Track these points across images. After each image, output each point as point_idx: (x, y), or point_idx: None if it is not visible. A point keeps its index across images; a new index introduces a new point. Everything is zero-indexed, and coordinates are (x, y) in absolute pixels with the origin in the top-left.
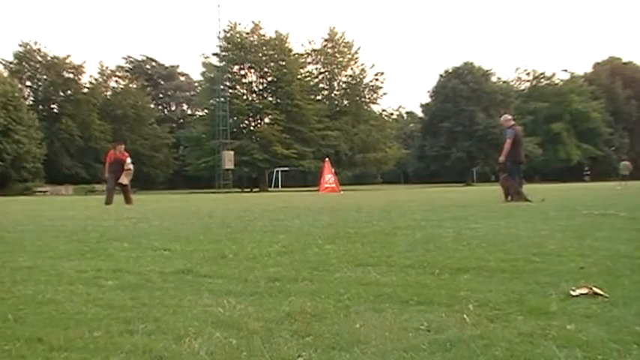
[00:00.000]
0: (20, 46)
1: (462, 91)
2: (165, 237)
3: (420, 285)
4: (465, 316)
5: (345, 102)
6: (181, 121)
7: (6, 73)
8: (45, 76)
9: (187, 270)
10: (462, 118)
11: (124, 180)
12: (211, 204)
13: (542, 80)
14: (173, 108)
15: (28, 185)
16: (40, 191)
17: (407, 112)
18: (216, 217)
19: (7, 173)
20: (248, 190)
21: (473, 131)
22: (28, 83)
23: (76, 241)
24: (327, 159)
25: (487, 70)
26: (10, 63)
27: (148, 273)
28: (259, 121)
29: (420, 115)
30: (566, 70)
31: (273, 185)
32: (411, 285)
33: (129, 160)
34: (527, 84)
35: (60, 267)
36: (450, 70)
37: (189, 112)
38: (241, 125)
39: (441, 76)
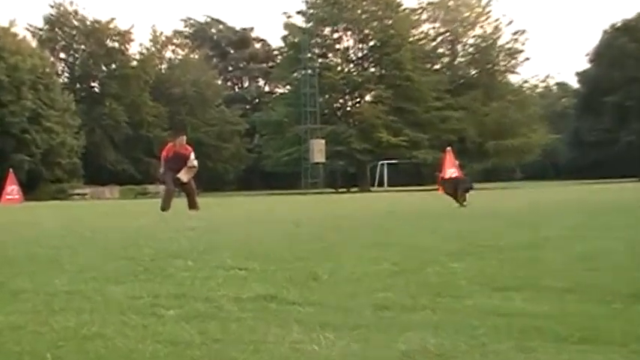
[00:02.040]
0: (52, 7)
1: (635, 53)
2: (239, 252)
3: (582, 316)
4: None
5: (473, 72)
6: (257, 101)
7: (34, 44)
8: (83, 46)
9: (270, 295)
10: (634, 89)
11: (184, 177)
12: (297, 209)
13: None
14: (246, 84)
15: (63, 186)
16: (78, 194)
17: (557, 84)
18: (305, 226)
19: (36, 171)
20: (344, 190)
21: None
22: (63, 55)
23: (126, 258)
24: (448, 148)
25: None
26: (40, 30)
27: (219, 299)
28: (358, 99)
29: (576, 86)
30: None
31: (377, 183)
32: (569, 316)
33: (193, 155)
34: None
35: (107, 292)
36: (618, 25)
37: (266, 89)
38: (335, 105)
39: (606, 32)
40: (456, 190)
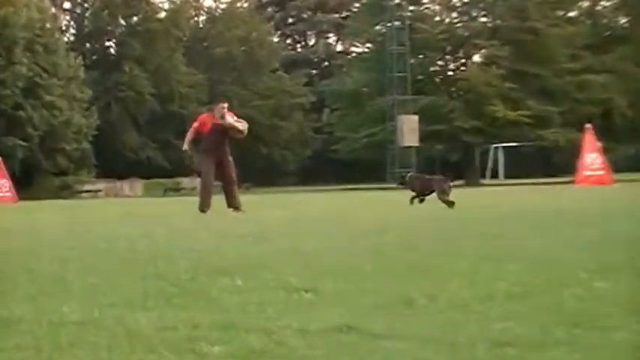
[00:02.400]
0: None
1: None
2: (305, 268)
3: None
4: None
5: (622, 20)
6: (326, 64)
7: None
8: None
9: (347, 326)
10: None
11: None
12: (381, 209)
13: None
14: (311, 42)
15: (69, 181)
16: (89, 190)
17: None
18: (393, 233)
19: (34, 160)
20: None
21: None
22: (67, 5)
23: (155, 276)
24: (588, 126)
25: None
26: None
27: (279, 331)
28: (463, 60)
29: None
30: None
31: (489, 174)
32: None
33: (230, 118)
34: None
35: (130, 321)
36: None
37: (338, 48)
38: (431, 69)
39: None
40: (430, 191)
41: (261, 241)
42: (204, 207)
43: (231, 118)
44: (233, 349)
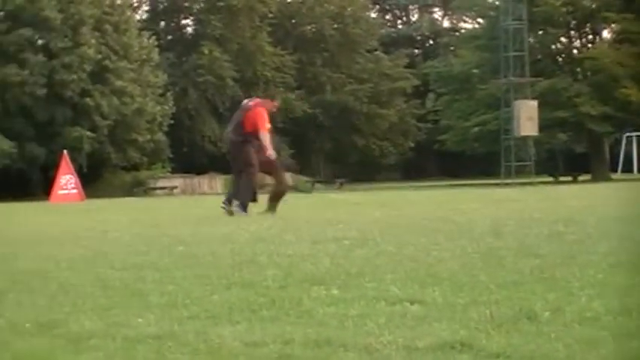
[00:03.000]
0: None
1: None
2: (410, 276)
3: None
4: None
5: None
6: (430, 42)
7: None
8: None
9: (460, 343)
10: None
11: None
12: (494, 208)
13: None
14: (414, 18)
15: (141, 176)
16: (164, 187)
17: None
18: (508, 236)
19: (102, 153)
20: (568, 178)
21: None
22: None
23: (241, 284)
24: None
25: None
26: None
27: (382, 348)
28: (591, 36)
29: None
30: None
31: (620, 168)
32: None
33: (266, 138)
34: None
35: (214, 336)
36: None
37: (445, 24)
38: (553, 47)
39: None
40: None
41: (360, 246)
42: (273, 204)
43: (266, 138)
44: None
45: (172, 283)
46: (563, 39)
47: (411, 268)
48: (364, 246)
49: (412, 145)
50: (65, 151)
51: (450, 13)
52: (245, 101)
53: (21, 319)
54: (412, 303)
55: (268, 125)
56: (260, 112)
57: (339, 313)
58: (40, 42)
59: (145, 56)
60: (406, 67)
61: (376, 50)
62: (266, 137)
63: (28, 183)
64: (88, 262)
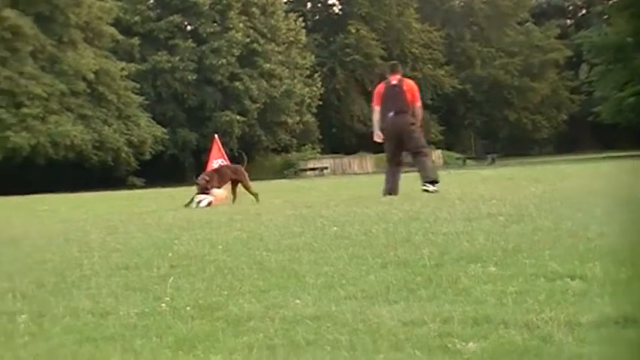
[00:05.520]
0: None
1: None
2: (568, 251)
3: None
4: None
5: None
6: (582, 12)
7: None
8: None
9: (624, 317)
10: None
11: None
12: None
13: None
14: None
15: (291, 158)
16: (314, 168)
17: None
18: None
19: (252, 137)
20: None
21: None
22: None
23: (397, 263)
24: None
25: None
26: None
27: (543, 325)
28: None
29: None
30: None
31: None
32: None
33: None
34: None
35: (372, 315)
36: None
37: None
38: None
39: None
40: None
41: (516, 222)
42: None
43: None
44: (490, 345)
45: (328, 264)
46: None
47: (570, 243)
48: (520, 222)
49: (565, 117)
50: (217, 135)
51: None
52: (389, 80)
53: (181, 302)
54: (572, 278)
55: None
56: (415, 85)
57: (497, 291)
58: (189, 28)
59: (292, 38)
60: (558, 38)
61: (527, 22)
62: (421, 109)
63: (180, 168)
64: (244, 244)
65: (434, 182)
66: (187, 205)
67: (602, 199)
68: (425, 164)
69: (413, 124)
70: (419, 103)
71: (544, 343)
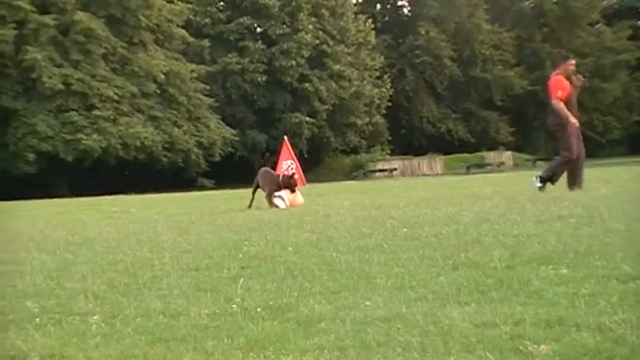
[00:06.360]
0: None
1: None
2: None
3: None
4: None
5: None
6: None
7: None
8: None
9: None
10: None
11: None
12: None
13: None
14: None
15: (361, 159)
16: (383, 170)
17: None
18: None
19: (321, 138)
20: None
21: None
22: None
23: (468, 265)
24: None
25: None
26: None
27: (616, 327)
28: None
29: None
30: None
31: None
32: None
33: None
34: None
35: (443, 317)
36: None
37: None
38: None
39: None
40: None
41: (587, 224)
42: (574, 184)
43: (559, 106)
44: (563, 348)
45: (398, 265)
46: None
47: None
48: (591, 224)
49: (637, 118)
50: (286, 137)
51: None
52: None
53: (252, 303)
54: None
55: (560, 93)
56: (553, 81)
57: (569, 293)
58: (258, 29)
59: (361, 39)
60: (629, 39)
61: (598, 23)
62: (559, 105)
63: (250, 169)
64: (314, 245)
65: (544, 180)
66: (249, 206)
67: None
68: (551, 162)
69: (556, 124)
70: (553, 100)
71: (617, 345)
